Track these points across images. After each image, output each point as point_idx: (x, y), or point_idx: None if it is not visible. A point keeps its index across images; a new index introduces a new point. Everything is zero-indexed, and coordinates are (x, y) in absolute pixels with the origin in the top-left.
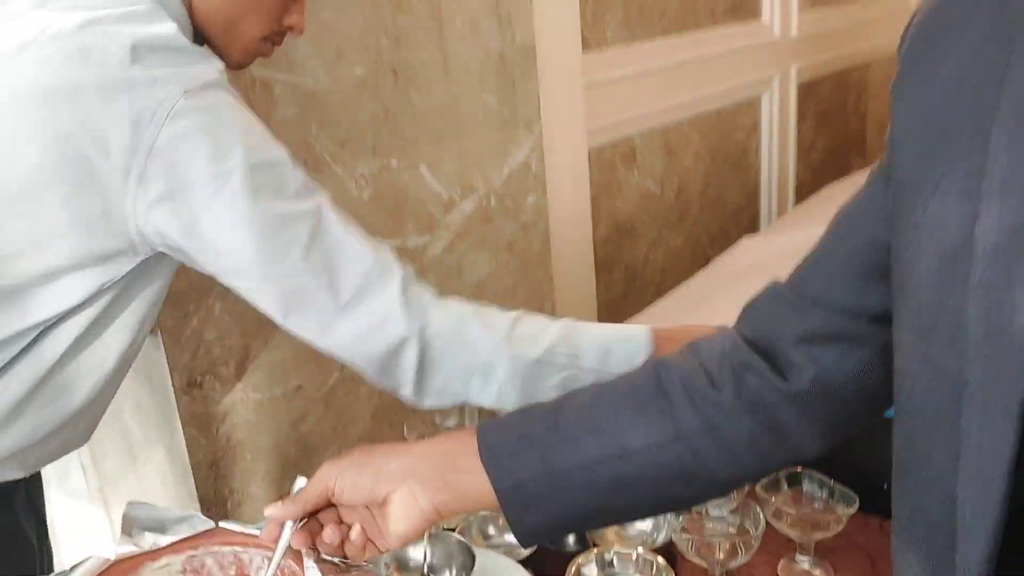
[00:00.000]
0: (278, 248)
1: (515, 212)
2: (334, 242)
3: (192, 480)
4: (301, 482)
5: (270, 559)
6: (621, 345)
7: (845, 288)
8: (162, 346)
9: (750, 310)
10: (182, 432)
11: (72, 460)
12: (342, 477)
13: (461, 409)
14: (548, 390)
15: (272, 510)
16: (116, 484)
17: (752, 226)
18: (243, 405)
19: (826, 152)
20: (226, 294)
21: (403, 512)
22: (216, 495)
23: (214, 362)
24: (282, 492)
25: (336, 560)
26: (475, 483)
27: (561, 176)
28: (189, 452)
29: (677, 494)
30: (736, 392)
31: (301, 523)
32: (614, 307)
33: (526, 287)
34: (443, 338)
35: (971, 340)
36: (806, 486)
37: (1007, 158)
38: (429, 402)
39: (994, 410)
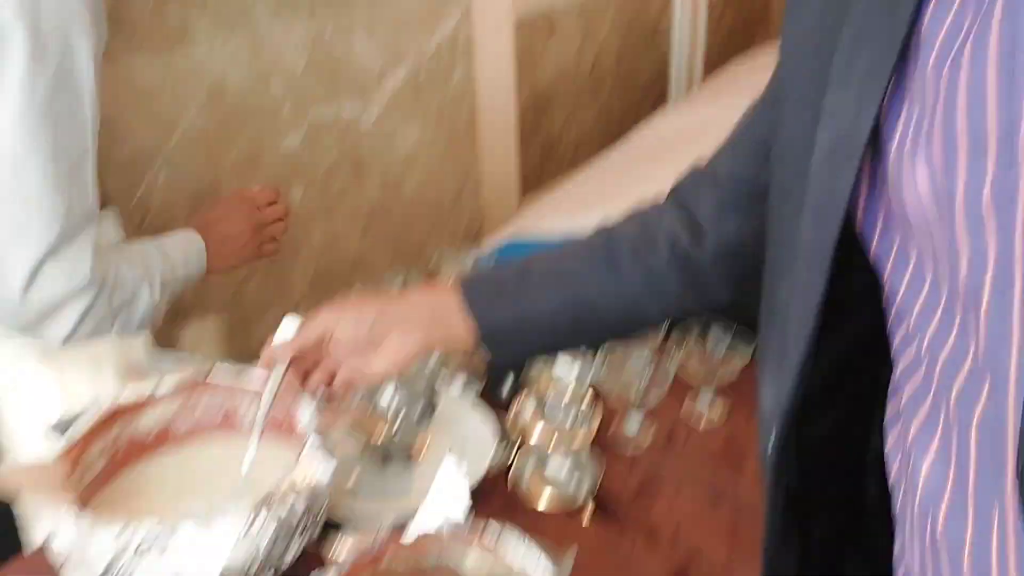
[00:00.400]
0: None
1: (443, 84)
2: None
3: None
4: (289, 321)
5: (260, 399)
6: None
7: (746, 167)
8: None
9: (678, 184)
10: None
11: None
12: (341, 327)
13: (406, 272)
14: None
15: (270, 352)
16: None
17: (661, 100)
18: None
19: (732, 27)
20: (172, 160)
21: (396, 351)
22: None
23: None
24: (231, 352)
25: (322, 396)
26: (460, 327)
27: (487, 49)
28: None
29: (620, 331)
30: (669, 254)
31: (287, 368)
32: (532, 178)
33: (453, 159)
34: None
35: (808, 203)
36: (712, 330)
37: (837, 80)
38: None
39: (815, 261)
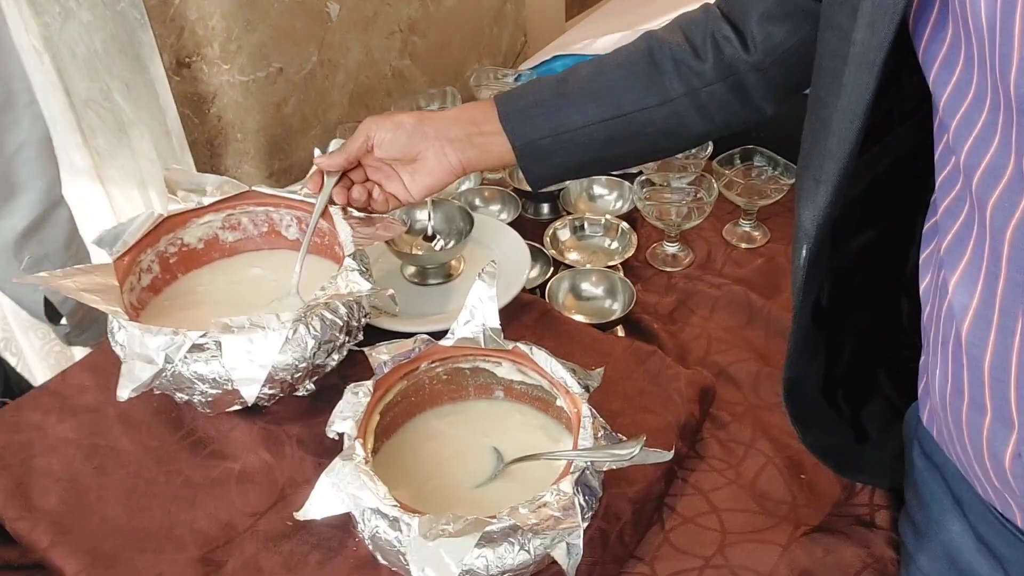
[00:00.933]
0: None
1: None
2: None
3: (191, 157)
4: (336, 143)
5: (298, 217)
6: None
7: None
8: (149, 27)
9: None
10: (176, 111)
11: (72, 137)
12: (381, 131)
13: (443, 92)
14: None
15: (320, 160)
16: (110, 161)
17: None
18: (230, 87)
19: None
20: None
21: (433, 166)
22: (213, 172)
23: (199, 43)
24: (272, 171)
25: (362, 215)
26: (497, 143)
27: None
28: (184, 131)
29: (659, 147)
30: (714, 62)
31: (338, 179)
32: None
33: None
34: None
35: (862, 8)
36: (756, 161)
37: None
38: None
39: (864, 64)
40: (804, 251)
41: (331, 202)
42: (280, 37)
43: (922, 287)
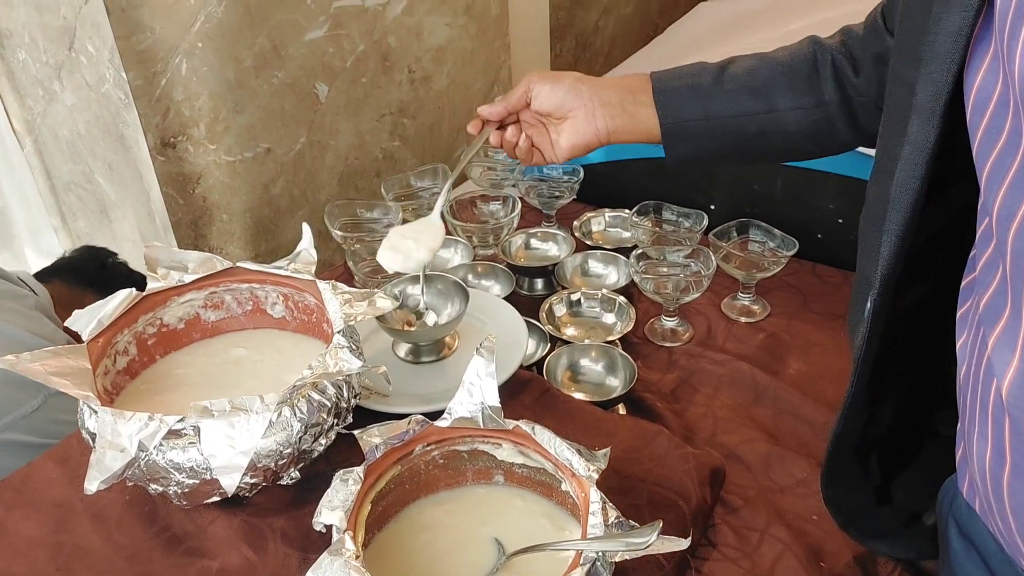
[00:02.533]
0: None
1: None
2: None
3: (174, 238)
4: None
5: (284, 294)
6: None
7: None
8: (134, 107)
9: (871, 19)
10: (160, 191)
11: (51, 220)
12: (540, 84)
13: (434, 170)
14: None
15: (483, 108)
16: (90, 242)
17: None
18: (216, 167)
19: None
20: (192, 52)
21: (581, 127)
22: None
23: (185, 123)
24: (258, 252)
25: (353, 290)
26: (647, 116)
27: None
28: (168, 212)
29: (802, 148)
30: (868, 77)
31: (496, 126)
32: None
33: (484, 53)
34: None
35: (924, 60)
36: (752, 234)
37: None
38: None
39: (926, 113)
40: (869, 302)
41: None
42: (269, 118)
43: (959, 344)
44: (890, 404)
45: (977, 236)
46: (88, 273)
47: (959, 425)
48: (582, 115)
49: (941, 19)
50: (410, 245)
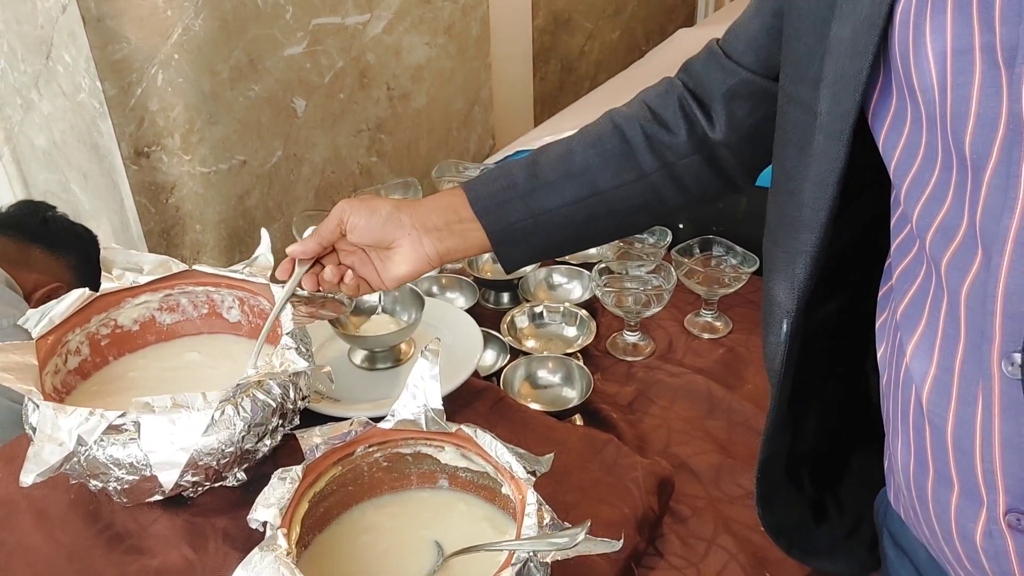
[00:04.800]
0: None
1: None
2: None
3: (145, 247)
4: (309, 231)
5: (240, 298)
6: None
7: (757, 52)
8: (108, 116)
9: (691, 63)
10: (133, 200)
11: None
12: (355, 216)
13: (405, 184)
14: None
15: (293, 247)
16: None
17: (688, 21)
18: (190, 178)
19: None
20: (168, 63)
21: (408, 256)
22: None
23: (159, 133)
24: (231, 263)
25: (306, 293)
26: (475, 230)
27: None
28: (141, 221)
29: (636, 221)
30: (687, 135)
31: (309, 267)
32: (549, 101)
33: (464, 73)
34: None
35: (824, 81)
36: (715, 251)
37: None
38: None
39: (834, 133)
40: (785, 325)
41: (299, 288)
42: (245, 131)
43: (879, 354)
44: (812, 421)
45: (893, 246)
46: (31, 227)
47: (885, 435)
48: (407, 244)
49: (841, 39)
50: None
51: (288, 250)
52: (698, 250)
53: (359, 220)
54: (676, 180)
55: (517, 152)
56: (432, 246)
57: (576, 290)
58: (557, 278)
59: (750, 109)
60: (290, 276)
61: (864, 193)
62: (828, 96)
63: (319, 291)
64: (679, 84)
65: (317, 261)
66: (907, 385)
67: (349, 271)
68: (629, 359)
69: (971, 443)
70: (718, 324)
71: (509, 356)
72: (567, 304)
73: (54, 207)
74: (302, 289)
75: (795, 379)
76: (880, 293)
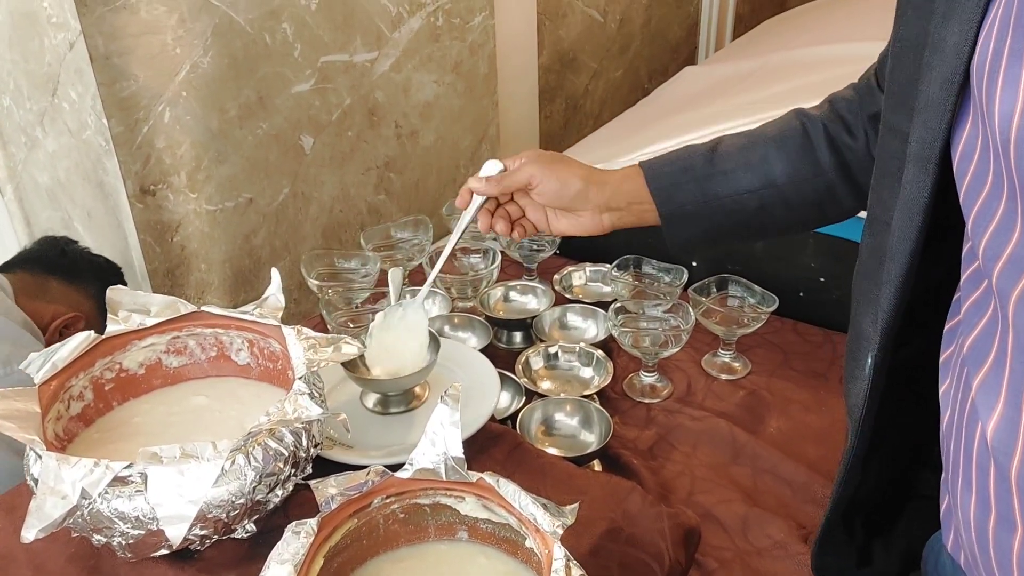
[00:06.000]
0: None
1: (463, 31)
2: None
3: (149, 287)
4: (491, 165)
5: (250, 340)
6: None
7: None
8: (114, 154)
9: (863, 86)
10: (137, 239)
11: None
12: (546, 181)
13: (416, 222)
14: None
15: (475, 183)
16: None
17: (691, 60)
18: (196, 216)
19: None
20: (175, 101)
21: (587, 224)
22: None
23: (165, 171)
24: (236, 303)
25: (318, 335)
26: (652, 211)
27: None
28: (145, 259)
29: (807, 219)
30: (866, 141)
31: (483, 202)
32: (555, 139)
33: (472, 111)
34: None
35: (917, 108)
36: (732, 290)
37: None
38: None
39: (921, 162)
40: (870, 359)
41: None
42: (252, 169)
43: (942, 390)
44: (875, 465)
45: (963, 279)
46: (49, 260)
47: (943, 476)
48: (588, 215)
49: (932, 66)
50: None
51: (469, 183)
52: (715, 289)
53: (548, 188)
54: (852, 182)
55: None
56: (610, 220)
57: (591, 329)
58: (571, 317)
59: None
60: (467, 206)
61: (956, 227)
62: (920, 124)
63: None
64: (869, 89)
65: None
66: (972, 422)
67: (516, 227)
68: (647, 401)
69: None
70: (737, 365)
71: (524, 398)
72: (583, 344)
73: (75, 241)
74: (475, 224)
75: (875, 419)
76: (947, 327)
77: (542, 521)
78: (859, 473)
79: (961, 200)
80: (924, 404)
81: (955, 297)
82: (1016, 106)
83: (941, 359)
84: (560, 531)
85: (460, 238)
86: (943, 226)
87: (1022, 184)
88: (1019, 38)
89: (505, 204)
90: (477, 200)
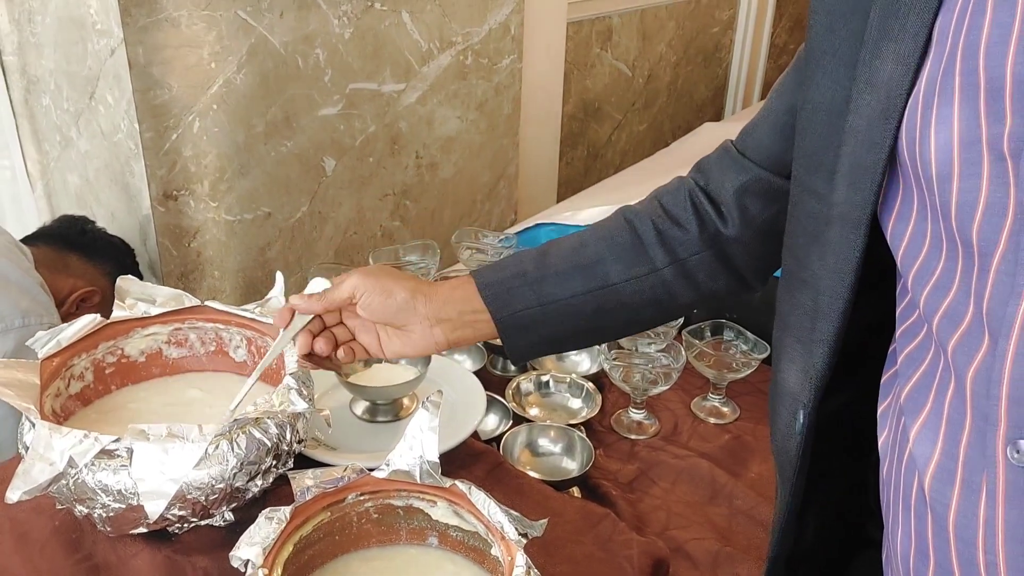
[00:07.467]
0: None
1: (490, 72)
2: None
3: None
4: (317, 283)
5: (248, 338)
6: None
7: (770, 150)
8: (142, 157)
9: (704, 162)
10: (156, 241)
11: None
12: (369, 296)
13: (424, 246)
14: None
15: (297, 300)
16: None
17: (716, 119)
18: (215, 224)
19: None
20: (206, 113)
21: (417, 341)
22: None
23: (189, 179)
24: None
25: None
26: (486, 321)
27: (538, 42)
28: (161, 262)
29: (645, 317)
30: (698, 231)
31: (308, 321)
32: (574, 184)
33: (492, 149)
34: None
35: (840, 171)
36: (726, 335)
37: (872, 46)
38: None
39: (851, 223)
40: (801, 416)
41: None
42: (273, 184)
43: (880, 441)
44: (812, 518)
45: (899, 331)
46: (70, 237)
47: (884, 527)
48: (418, 331)
49: (857, 130)
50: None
51: (291, 300)
52: (709, 333)
53: (373, 300)
54: (687, 276)
55: (538, 224)
56: (443, 335)
57: (584, 362)
58: None
59: (763, 206)
60: (287, 326)
61: (882, 281)
62: (844, 186)
63: (311, 353)
64: (691, 182)
65: (317, 316)
66: (909, 471)
67: (343, 347)
68: (633, 437)
69: (974, 533)
70: (725, 410)
71: (511, 422)
72: (574, 375)
73: (93, 221)
74: (293, 345)
75: (808, 473)
76: (883, 379)
77: (508, 530)
78: (795, 528)
79: (899, 260)
80: (856, 454)
81: (891, 348)
82: (952, 169)
83: (879, 410)
84: (524, 540)
85: (273, 357)
86: (869, 280)
87: (965, 242)
88: (945, 102)
89: (333, 327)
90: (300, 320)
